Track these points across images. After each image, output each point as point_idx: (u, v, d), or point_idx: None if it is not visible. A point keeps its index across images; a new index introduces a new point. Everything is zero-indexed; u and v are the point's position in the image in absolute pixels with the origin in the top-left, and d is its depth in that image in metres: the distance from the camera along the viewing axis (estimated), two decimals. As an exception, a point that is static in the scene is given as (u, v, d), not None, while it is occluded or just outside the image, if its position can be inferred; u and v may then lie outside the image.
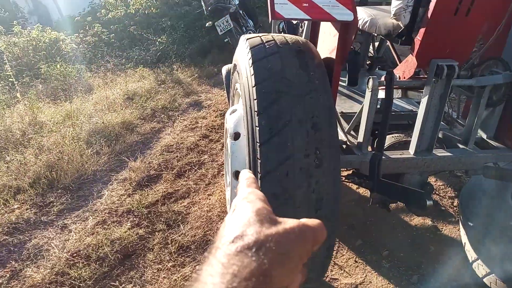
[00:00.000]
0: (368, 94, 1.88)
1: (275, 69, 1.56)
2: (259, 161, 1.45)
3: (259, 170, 1.44)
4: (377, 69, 3.33)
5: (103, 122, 4.28)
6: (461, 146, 2.10)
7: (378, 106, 2.46)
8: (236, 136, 1.83)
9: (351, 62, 2.89)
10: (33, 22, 11.84)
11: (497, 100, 1.94)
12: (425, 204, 1.52)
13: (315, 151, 1.48)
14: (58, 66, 6.27)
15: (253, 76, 1.56)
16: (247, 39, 1.79)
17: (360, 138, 1.99)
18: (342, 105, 2.63)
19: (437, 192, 2.97)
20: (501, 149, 2.07)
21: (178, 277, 2.29)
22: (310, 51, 1.70)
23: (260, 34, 1.81)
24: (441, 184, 3.06)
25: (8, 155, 3.66)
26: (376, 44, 3.37)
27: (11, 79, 5.49)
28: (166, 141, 4.06)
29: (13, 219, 2.87)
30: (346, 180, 1.96)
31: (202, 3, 6.36)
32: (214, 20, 6.16)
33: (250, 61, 1.62)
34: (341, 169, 2.05)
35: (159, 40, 7.76)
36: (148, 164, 3.58)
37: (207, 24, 6.38)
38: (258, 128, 1.46)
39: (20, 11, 13.78)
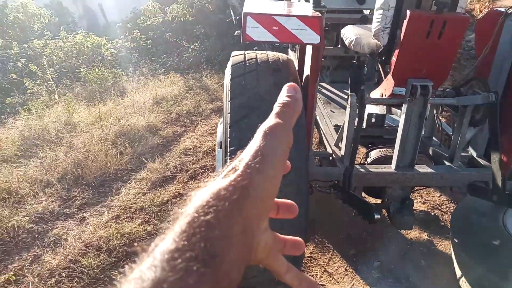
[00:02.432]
0: (348, 110, 1.98)
1: (250, 85, 1.71)
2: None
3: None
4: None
5: (129, 125, 4.58)
6: (447, 163, 2.15)
7: (373, 120, 2.55)
8: (221, 145, 1.99)
9: (353, 76, 2.98)
10: (82, 27, 12.62)
11: (479, 120, 1.98)
12: (374, 217, 1.61)
13: (280, 163, 1.61)
14: (97, 70, 6.71)
15: (229, 91, 1.72)
16: (232, 56, 1.94)
17: (342, 151, 2.10)
18: (338, 117, 2.73)
19: (439, 207, 2.98)
20: (487, 168, 2.09)
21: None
22: (287, 69, 1.83)
23: (246, 52, 1.96)
24: (445, 199, 3.06)
25: (42, 152, 4.02)
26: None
27: (50, 82, 5.95)
28: (185, 145, 4.29)
29: (40, 209, 3.18)
30: (320, 190, 2.07)
31: (232, 13, 6.58)
32: (243, 29, 6.35)
33: (229, 77, 1.78)
34: (326, 181, 2.17)
35: (192, 47, 8.08)
36: (165, 166, 3.82)
37: (235, 33, 6.59)
38: (229, 139, 1.61)
39: (71, 16, 14.72)
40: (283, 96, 0.42)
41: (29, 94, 6.03)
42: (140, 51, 8.42)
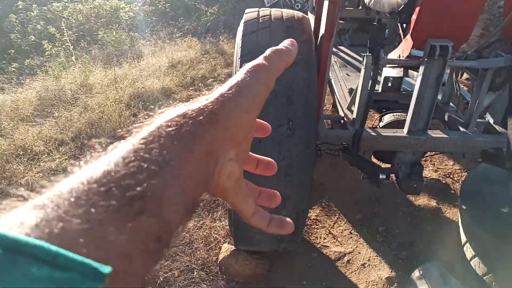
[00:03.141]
0: (362, 71, 1.91)
1: (262, 42, 1.66)
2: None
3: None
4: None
5: (143, 87, 4.58)
6: (462, 129, 2.08)
7: (390, 84, 2.48)
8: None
9: (372, 39, 2.87)
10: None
11: (499, 84, 1.89)
12: (379, 178, 1.58)
13: (288, 122, 1.58)
14: (114, 33, 6.68)
15: (240, 48, 1.67)
16: (246, 13, 1.89)
17: (354, 114, 2.04)
18: (354, 81, 2.65)
19: (450, 176, 2.93)
20: (503, 135, 2.02)
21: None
22: (301, 27, 1.77)
23: (260, 9, 1.90)
24: (457, 168, 3.00)
25: (57, 112, 4.07)
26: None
27: (67, 44, 5.96)
28: (198, 108, 4.28)
29: (53, 166, 3.25)
30: (328, 153, 2.04)
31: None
32: (262, -8, 6.19)
33: (241, 34, 1.73)
34: (335, 144, 2.13)
35: (210, 10, 7.94)
36: (177, 128, 3.83)
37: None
38: (238, 98, 1.58)
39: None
40: (280, 45, 0.43)
41: (47, 56, 6.05)
42: (158, 15, 8.31)
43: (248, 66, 0.39)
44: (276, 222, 0.45)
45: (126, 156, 0.29)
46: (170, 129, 0.32)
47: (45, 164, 3.26)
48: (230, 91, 0.36)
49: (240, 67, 1.63)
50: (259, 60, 0.40)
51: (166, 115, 0.33)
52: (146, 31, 7.62)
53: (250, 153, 0.47)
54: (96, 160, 0.29)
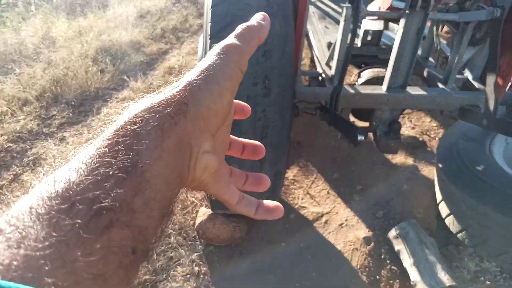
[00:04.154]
0: (341, 23, 1.81)
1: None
2: (207, 86, 1.47)
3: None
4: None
5: (110, 40, 4.32)
6: (441, 85, 2.03)
7: (369, 38, 2.38)
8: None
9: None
10: None
11: (479, 38, 1.83)
12: (357, 139, 1.54)
13: (263, 80, 1.49)
14: (77, -20, 6.20)
15: (210, 23, 1.53)
16: None
17: (333, 71, 1.96)
18: (332, 34, 2.54)
19: (427, 133, 2.93)
20: (481, 92, 1.98)
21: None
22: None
23: None
24: (434, 125, 3.00)
25: (18, 68, 3.81)
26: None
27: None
28: (170, 63, 4.09)
29: (18, 128, 3.07)
30: (305, 112, 1.97)
31: None
32: None
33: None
34: (313, 102, 2.05)
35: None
36: (148, 85, 3.66)
37: None
38: (209, 53, 1.46)
39: None
40: (251, 20, 0.40)
41: (3, 5, 5.59)
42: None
43: (218, 47, 0.36)
44: (263, 208, 0.43)
45: (89, 163, 0.27)
46: (136, 126, 0.29)
47: (9, 126, 3.07)
48: (200, 78, 0.33)
49: (211, 19, 1.50)
50: (230, 39, 0.37)
51: (130, 111, 0.31)
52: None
53: (234, 137, 0.45)
54: (57, 170, 0.27)
